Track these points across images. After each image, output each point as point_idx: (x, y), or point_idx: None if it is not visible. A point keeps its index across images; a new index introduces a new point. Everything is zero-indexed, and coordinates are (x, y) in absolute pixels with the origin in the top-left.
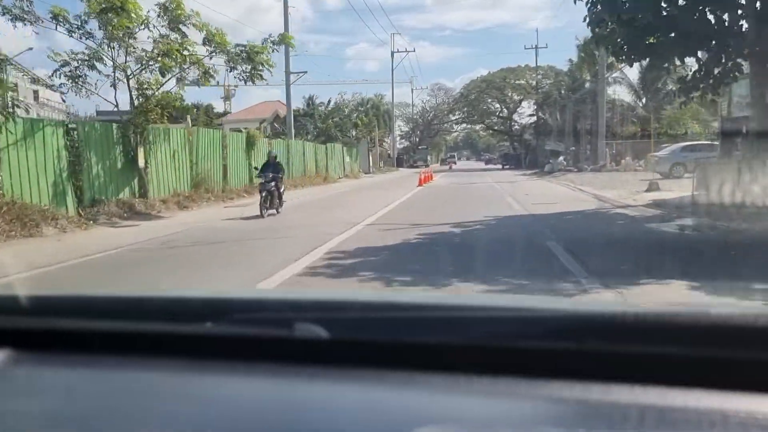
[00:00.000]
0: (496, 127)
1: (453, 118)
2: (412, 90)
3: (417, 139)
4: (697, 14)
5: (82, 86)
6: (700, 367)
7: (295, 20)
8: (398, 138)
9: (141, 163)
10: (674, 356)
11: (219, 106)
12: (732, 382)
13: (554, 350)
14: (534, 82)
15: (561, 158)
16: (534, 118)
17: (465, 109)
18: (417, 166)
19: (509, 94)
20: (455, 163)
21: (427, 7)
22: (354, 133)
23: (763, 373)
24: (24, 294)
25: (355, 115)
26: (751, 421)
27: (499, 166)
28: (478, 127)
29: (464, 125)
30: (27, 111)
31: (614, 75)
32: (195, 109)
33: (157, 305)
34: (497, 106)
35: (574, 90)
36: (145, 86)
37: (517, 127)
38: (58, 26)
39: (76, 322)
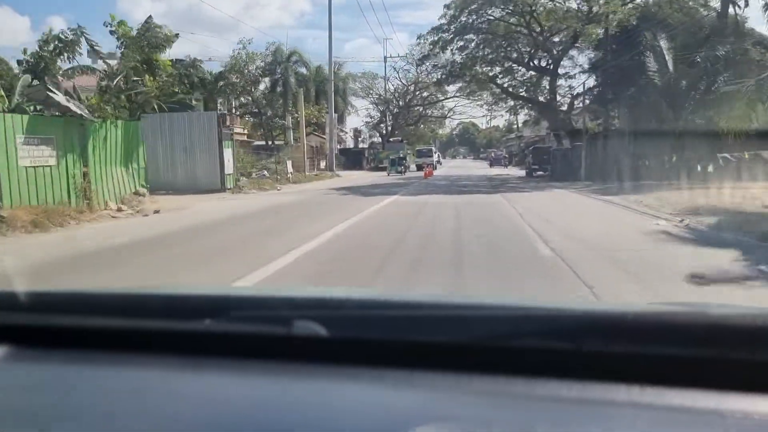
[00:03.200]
0: (522, 92)
1: (428, 87)
2: (385, 58)
3: (389, 128)
4: None
5: None
6: (697, 367)
7: (293, 15)
8: (364, 127)
9: None
10: (672, 356)
11: None
12: (729, 382)
13: (553, 350)
14: (597, 7)
15: None
16: (591, 81)
17: (459, 49)
18: (384, 168)
19: (547, 35)
20: (435, 166)
21: (425, 4)
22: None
23: (761, 374)
24: (23, 290)
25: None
26: (748, 422)
27: (520, 172)
28: (480, 104)
29: (453, 95)
30: None
31: None
32: None
33: (156, 302)
34: (523, 50)
35: None
36: None
37: (566, 98)
38: None
39: (75, 319)
